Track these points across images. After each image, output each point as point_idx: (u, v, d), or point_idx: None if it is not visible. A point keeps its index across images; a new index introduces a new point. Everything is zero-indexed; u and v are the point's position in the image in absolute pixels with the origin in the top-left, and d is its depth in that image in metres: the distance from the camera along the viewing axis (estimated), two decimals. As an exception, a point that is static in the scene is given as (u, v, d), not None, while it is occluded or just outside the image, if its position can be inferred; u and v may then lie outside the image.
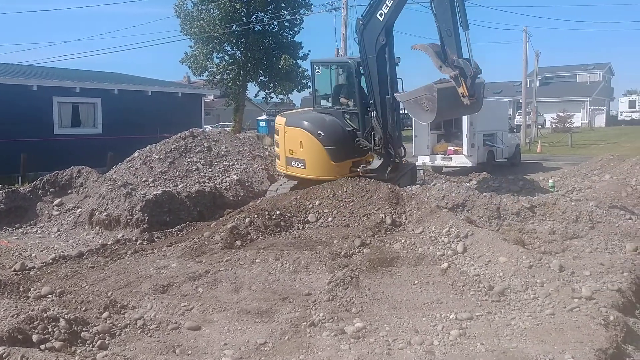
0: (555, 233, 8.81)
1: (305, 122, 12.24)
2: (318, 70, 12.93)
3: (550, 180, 12.86)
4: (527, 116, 42.26)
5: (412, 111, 10.93)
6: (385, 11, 10.89)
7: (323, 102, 12.93)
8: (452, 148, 21.68)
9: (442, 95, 10.08)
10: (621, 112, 66.77)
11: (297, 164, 12.21)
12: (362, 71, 11.73)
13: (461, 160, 21.41)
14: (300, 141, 12.09)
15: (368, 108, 11.69)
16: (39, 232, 11.02)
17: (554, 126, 52.25)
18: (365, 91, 11.89)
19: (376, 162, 11.77)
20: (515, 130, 29.13)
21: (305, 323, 5.61)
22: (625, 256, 7.59)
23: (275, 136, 13.05)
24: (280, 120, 12.97)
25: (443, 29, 10.20)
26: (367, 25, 11.23)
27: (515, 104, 54.91)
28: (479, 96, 10.54)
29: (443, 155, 21.73)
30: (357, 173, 11.59)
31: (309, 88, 43.03)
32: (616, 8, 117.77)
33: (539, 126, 46.42)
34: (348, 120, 12.19)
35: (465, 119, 20.99)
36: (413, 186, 11.43)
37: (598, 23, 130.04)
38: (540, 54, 43.25)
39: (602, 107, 66.08)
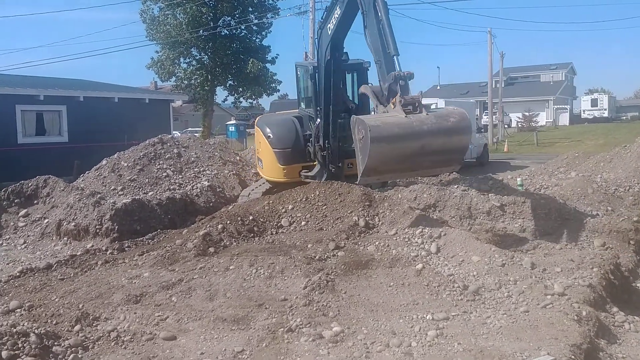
0: (526, 231, 8.94)
1: (262, 124, 12.67)
2: (299, 73, 12.80)
3: (518, 179, 13.04)
4: (494, 116, 42.99)
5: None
6: (332, 26, 10.06)
7: (302, 105, 12.78)
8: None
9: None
10: (584, 111, 68.44)
11: (259, 163, 12.88)
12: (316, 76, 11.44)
13: None
14: (259, 142, 12.67)
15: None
16: (4, 244, 10.74)
17: (519, 125, 53.35)
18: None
19: (315, 169, 11.70)
20: (482, 130, 29.59)
21: (282, 329, 5.57)
22: (594, 252, 7.74)
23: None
24: (257, 120, 13.48)
25: (375, 60, 8.92)
26: (320, 34, 10.66)
27: (481, 104, 55.78)
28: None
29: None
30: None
31: (278, 92, 43.32)
32: (577, 9, 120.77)
33: (506, 126, 47.27)
34: (311, 124, 11.92)
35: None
36: (385, 188, 11.48)
37: (559, 24, 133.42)
38: (504, 54, 44.25)
39: (566, 106, 67.60)
